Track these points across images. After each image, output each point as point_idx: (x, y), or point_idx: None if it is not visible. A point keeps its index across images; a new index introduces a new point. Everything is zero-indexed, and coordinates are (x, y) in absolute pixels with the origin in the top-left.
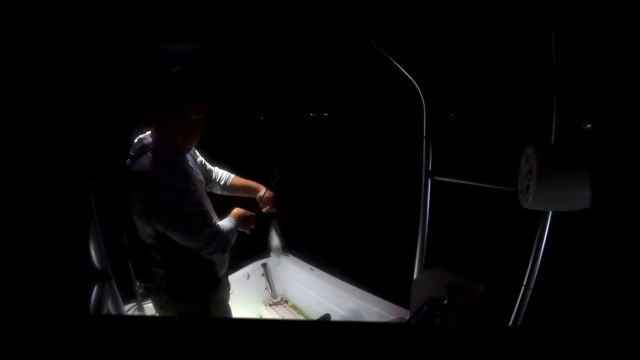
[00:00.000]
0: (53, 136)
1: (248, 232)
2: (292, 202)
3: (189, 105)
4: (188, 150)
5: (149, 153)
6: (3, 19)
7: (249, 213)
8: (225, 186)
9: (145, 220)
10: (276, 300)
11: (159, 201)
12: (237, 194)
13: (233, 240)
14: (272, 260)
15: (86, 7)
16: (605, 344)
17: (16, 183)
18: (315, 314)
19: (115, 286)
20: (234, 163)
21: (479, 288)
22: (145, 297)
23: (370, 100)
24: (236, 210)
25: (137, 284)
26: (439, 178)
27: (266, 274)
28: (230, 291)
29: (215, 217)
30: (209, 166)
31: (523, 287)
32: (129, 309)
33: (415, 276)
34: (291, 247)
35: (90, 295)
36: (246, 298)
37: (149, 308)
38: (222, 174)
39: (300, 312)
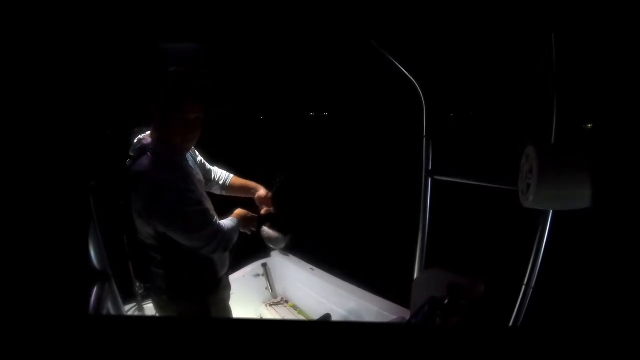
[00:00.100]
0: (52, 136)
1: (249, 233)
2: (293, 201)
3: (188, 105)
4: (188, 150)
5: (148, 153)
6: (3, 18)
7: (250, 214)
8: (224, 186)
9: (145, 221)
10: (276, 300)
11: (159, 201)
12: (237, 194)
13: (235, 239)
14: (272, 260)
15: (86, 7)
16: (606, 343)
17: (15, 183)
18: (315, 314)
19: (115, 287)
20: (234, 163)
21: (480, 288)
22: (145, 298)
23: (370, 100)
24: (238, 211)
25: (137, 284)
26: (439, 177)
27: (266, 274)
28: (231, 291)
29: (215, 216)
30: (208, 166)
31: (524, 287)
32: (129, 309)
33: (415, 276)
34: (291, 247)
35: (90, 295)
36: (246, 298)
37: (149, 308)
38: (221, 174)
39: (300, 312)
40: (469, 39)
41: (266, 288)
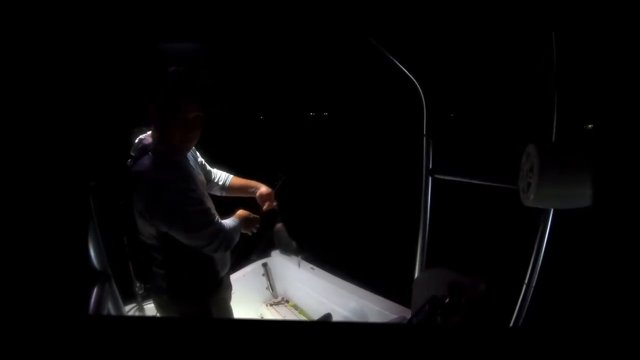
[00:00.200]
0: (52, 136)
1: (250, 234)
2: (293, 201)
3: (187, 104)
4: (188, 149)
5: (149, 153)
6: (2, 18)
7: (253, 215)
8: (224, 186)
9: (147, 221)
10: (277, 300)
11: (160, 201)
12: (237, 194)
13: (236, 238)
14: (272, 260)
15: (86, 6)
16: (607, 343)
17: (15, 183)
18: (316, 313)
19: (115, 287)
20: (234, 163)
21: (481, 287)
22: (145, 298)
23: (371, 99)
24: (240, 212)
25: (137, 284)
26: (439, 176)
27: (267, 273)
28: (232, 291)
29: (217, 216)
30: (208, 167)
31: (524, 286)
32: (130, 309)
33: (416, 275)
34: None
35: (90, 296)
36: (247, 298)
37: (149, 309)
38: (220, 175)
39: (301, 311)
40: (469, 38)
41: (267, 288)
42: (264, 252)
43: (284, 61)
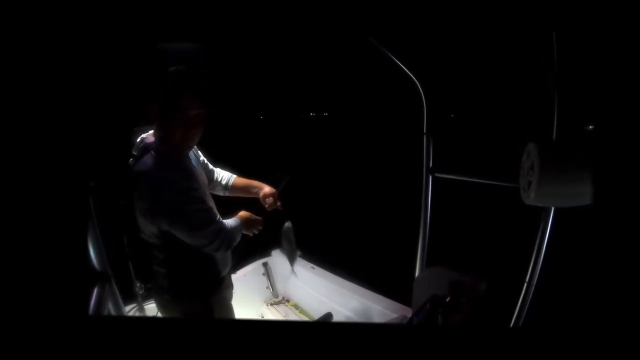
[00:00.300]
0: (52, 136)
1: (251, 235)
2: (293, 201)
3: (187, 102)
4: (190, 148)
5: (151, 152)
6: (2, 18)
7: (254, 216)
8: (227, 186)
9: (149, 220)
10: (278, 299)
11: (162, 200)
12: (240, 195)
13: (238, 238)
14: (273, 260)
15: (86, 6)
16: (607, 342)
17: (15, 183)
18: (317, 312)
19: (115, 287)
20: (234, 163)
21: (481, 286)
22: (145, 298)
23: (371, 99)
24: (242, 213)
25: (138, 284)
26: (440, 175)
27: (267, 273)
28: (233, 290)
29: (218, 215)
30: (210, 166)
31: (525, 284)
32: (130, 310)
33: (417, 274)
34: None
35: (90, 296)
36: (248, 297)
37: (150, 309)
38: (223, 175)
39: (302, 311)
40: (470, 37)
41: (267, 287)
42: (264, 252)
43: (284, 61)
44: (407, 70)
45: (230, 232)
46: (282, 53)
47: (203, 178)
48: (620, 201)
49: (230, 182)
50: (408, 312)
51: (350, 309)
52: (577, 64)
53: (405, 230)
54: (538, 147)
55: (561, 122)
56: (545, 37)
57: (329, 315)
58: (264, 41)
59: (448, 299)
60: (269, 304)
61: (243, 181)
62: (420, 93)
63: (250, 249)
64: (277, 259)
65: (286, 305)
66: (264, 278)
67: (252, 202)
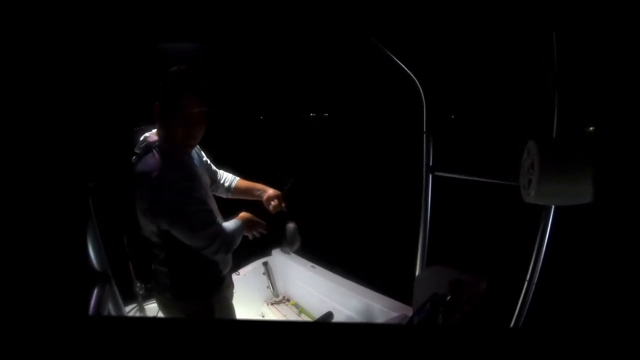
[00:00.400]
0: (52, 137)
1: (251, 237)
2: (293, 200)
3: (188, 100)
4: (192, 146)
5: (154, 151)
6: (2, 18)
7: (255, 218)
8: (229, 188)
9: (149, 219)
10: (278, 298)
11: (163, 199)
12: (243, 197)
13: (237, 240)
14: (273, 259)
15: (86, 6)
16: (608, 341)
17: (14, 184)
18: (317, 312)
19: (115, 288)
20: (234, 163)
21: (482, 285)
22: (146, 298)
23: (371, 99)
24: (243, 214)
25: (138, 284)
26: (440, 173)
27: (268, 272)
28: (234, 290)
29: (219, 217)
30: (213, 167)
31: (526, 283)
32: (130, 310)
33: (417, 273)
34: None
35: (90, 297)
36: (248, 297)
37: (150, 309)
38: (226, 176)
39: (302, 310)
40: (470, 37)
41: (267, 287)
42: (265, 251)
43: (285, 61)
44: (406, 69)
45: (229, 235)
46: (282, 53)
47: (205, 178)
48: (621, 199)
49: (233, 185)
50: (409, 311)
51: (351, 308)
52: (577, 63)
53: (405, 229)
54: (538, 145)
55: (561, 120)
56: (545, 36)
57: (329, 314)
58: (264, 41)
59: (449, 298)
60: (269, 304)
61: (246, 184)
62: (420, 92)
63: (250, 248)
64: (278, 259)
65: (287, 305)
66: (265, 277)
67: (253, 204)
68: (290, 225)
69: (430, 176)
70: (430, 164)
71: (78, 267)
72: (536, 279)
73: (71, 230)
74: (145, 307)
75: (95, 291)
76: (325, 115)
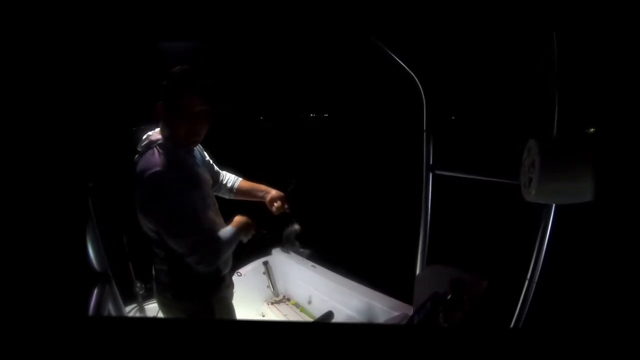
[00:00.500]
0: (51, 136)
1: (245, 240)
2: (294, 199)
3: (191, 99)
4: (195, 144)
5: (154, 148)
6: (2, 18)
7: (250, 221)
8: (232, 189)
9: (140, 215)
10: (278, 298)
11: (152, 198)
12: (246, 198)
13: (225, 253)
14: (273, 258)
15: (86, 6)
16: (609, 341)
17: (14, 184)
18: (318, 311)
19: (115, 288)
20: (234, 164)
21: (483, 284)
22: (146, 298)
23: (371, 99)
24: (237, 218)
25: (138, 284)
26: (440, 172)
27: (268, 272)
28: (234, 290)
29: (216, 222)
30: (216, 168)
31: (527, 282)
32: (130, 310)
33: (417, 272)
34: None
35: (90, 297)
36: (248, 297)
37: (150, 309)
38: (229, 177)
39: (302, 309)
40: (470, 36)
41: (268, 286)
42: (265, 251)
43: (284, 61)
44: (406, 68)
45: (214, 248)
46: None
47: (206, 179)
48: (622, 198)
49: (236, 185)
50: (409, 310)
51: (351, 307)
52: (578, 62)
53: (405, 228)
54: (539, 144)
55: (562, 119)
56: (545, 36)
57: (329, 314)
58: (264, 41)
59: (449, 297)
60: (269, 303)
61: (249, 184)
62: (420, 90)
63: (250, 248)
64: (278, 258)
65: (287, 304)
66: (265, 277)
67: (256, 204)
68: (294, 228)
69: (431, 175)
70: (431, 162)
71: (78, 267)
72: (537, 278)
73: (71, 231)
74: (145, 307)
75: (95, 291)
76: (325, 115)
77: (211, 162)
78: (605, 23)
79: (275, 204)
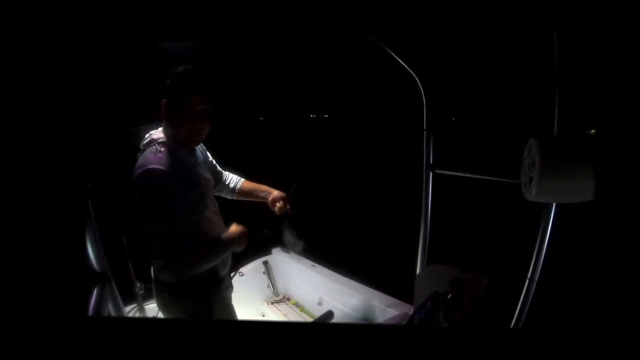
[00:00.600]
0: (50, 136)
1: (239, 251)
2: (294, 199)
3: (194, 98)
4: (197, 143)
5: (155, 146)
6: (2, 18)
7: (244, 231)
8: (234, 189)
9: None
10: (278, 298)
11: (140, 195)
12: (248, 198)
13: (199, 267)
14: (273, 258)
15: (85, 6)
16: (610, 341)
17: (13, 185)
18: (318, 311)
19: (115, 288)
20: (234, 164)
21: (483, 283)
22: (145, 298)
23: (371, 99)
24: (232, 229)
25: (138, 284)
26: (440, 171)
27: (268, 271)
28: (233, 291)
29: (206, 228)
30: (219, 168)
31: (527, 281)
32: (130, 310)
33: (418, 271)
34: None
35: (90, 297)
36: (248, 296)
37: (150, 309)
38: (232, 177)
39: (302, 309)
40: (470, 36)
41: (268, 286)
42: (265, 250)
43: (284, 62)
44: (406, 67)
45: (181, 261)
46: (282, 53)
47: (206, 178)
48: (623, 197)
49: (238, 186)
50: (409, 310)
51: (352, 306)
52: (578, 61)
53: (405, 228)
54: (539, 143)
55: (562, 118)
56: (545, 36)
57: (330, 313)
58: (264, 41)
59: (449, 297)
60: (269, 303)
61: (251, 185)
62: (420, 89)
63: (250, 248)
64: (278, 258)
65: (287, 304)
66: (265, 277)
67: (257, 205)
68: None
69: (431, 174)
70: (431, 162)
71: (78, 267)
72: (537, 278)
73: (71, 231)
74: (145, 307)
75: (95, 291)
76: (325, 116)
77: (214, 162)
78: (605, 23)
79: (277, 205)
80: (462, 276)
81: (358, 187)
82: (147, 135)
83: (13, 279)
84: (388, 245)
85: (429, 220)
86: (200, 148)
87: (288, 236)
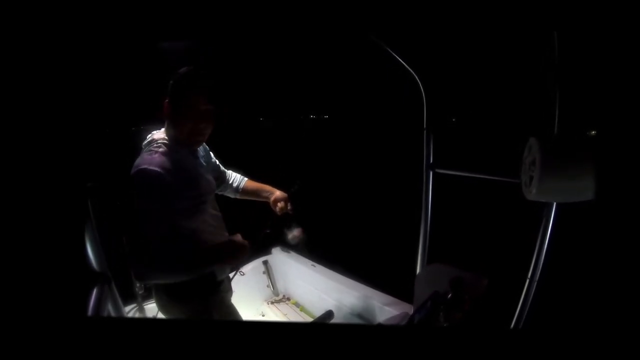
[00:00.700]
0: (51, 136)
1: (233, 265)
2: (294, 199)
3: (196, 97)
4: (199, 143)
5: (154, 147)
6: (2, 18)
7: (244, 245)
8: (237, 189)
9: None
10: (278, 297)
11: (136, 194)
12: (250, 198)
13: (174, 277)
14: (273, 258)
15: (85, 6)
16: (611, 341)
17: (13, 185)
18: (318, 310)
19: (114, 288)
20: (234, 164)
21: (483, 283)
22: (145, 298)
23: (371, 99)
24: (230, 242)
25: (137, 285)
26: (440, 171)
27: (268, 271)
28: (233, 291)
29: (198, 231)
30: (222, 168)
31: (528, 281)
32: (130, 310)
33: (418, 271)
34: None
35: (89, 297)
36: (248, 296)
37: (150, 309)
38: (235, 177)
39: (303, 309)
40: (471, 36)
41: (268, 286)
42: (265, 250)
43: (284, 62)
44: (406, 66)
45: (153, 269)
46: (282, 53)
47: (207, 180)
48: (623, 197)
49: (241, 186)
50: (409, 309)
51: (352, 306)
52: (579, 61)
53: (406, 227)
54: (539, 143)
55: (562, 118)
56: (546, 36)
57: (330, 313)
58: (264, 41)
59: (449, 296)
60: (269, 303)
61: (254, 185)
62: (420, 89)
63: (250, 248)
64: (278, 257)
65: (287, 304)
66: (265, 276)
67: (258, 205)
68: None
69: (431, 173)
70: (431, 161)
71: (77, 267)
72: (537, 277)
73: (70, 231)
74: (145, 307)
75: (95, 292)
76: (325, 117)
77: (217, 162)
78: (605, 23)
79: (279, 205)
80: (462, 276)
81: (358, 186)
82: (148, 136)
83: (13, 279)
84: (388, 245)
85: (429, 220)
86: (203, 149)
87: (291, 234)
